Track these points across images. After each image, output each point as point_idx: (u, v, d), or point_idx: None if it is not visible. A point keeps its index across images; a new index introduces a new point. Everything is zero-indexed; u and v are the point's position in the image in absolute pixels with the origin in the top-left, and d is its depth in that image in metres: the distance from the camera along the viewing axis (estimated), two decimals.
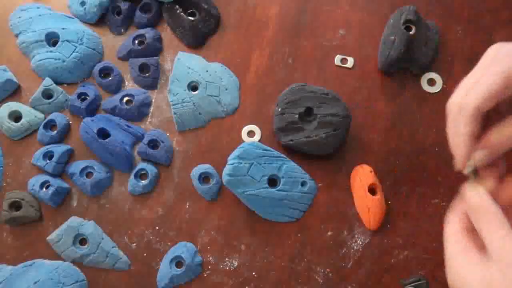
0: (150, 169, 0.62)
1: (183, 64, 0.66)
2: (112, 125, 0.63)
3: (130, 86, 0.67)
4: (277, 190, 0.60)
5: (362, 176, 0.60)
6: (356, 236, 0.60)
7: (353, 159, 0.62)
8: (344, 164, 0.62)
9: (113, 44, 0.69)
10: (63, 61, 0.65)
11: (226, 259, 0.59)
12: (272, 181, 0.60)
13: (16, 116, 0.64)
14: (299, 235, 0.60)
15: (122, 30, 0.69)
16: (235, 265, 0.59)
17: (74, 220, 0.60)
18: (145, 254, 0.60)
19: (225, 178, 0.58)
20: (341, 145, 0.61)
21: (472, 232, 0.38)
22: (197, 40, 0.68)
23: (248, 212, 0.60)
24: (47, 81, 0.65)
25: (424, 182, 0.61)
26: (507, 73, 0.36)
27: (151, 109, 0.66)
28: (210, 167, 0.62)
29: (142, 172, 0.62)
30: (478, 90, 0.37)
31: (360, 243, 0.59)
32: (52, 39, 0.67)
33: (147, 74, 0.66)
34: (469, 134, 0.38)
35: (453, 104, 0.39)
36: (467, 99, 0.37)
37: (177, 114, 0.64)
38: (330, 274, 0.58)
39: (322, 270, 0.58)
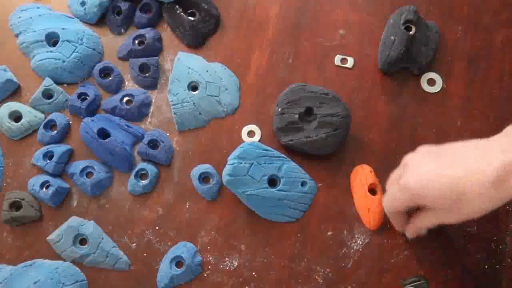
0: (150, 169, 0.62)
1: (183, 64, 0.66)
2: (112, 125, 0.63)
3: (130, 86, 0.67)
4: (277, 190, 0.60)
5: (362, 176, 0.60)
6: (356, 236, 0.60)
7: (353, 159, 0.62)
8: (344, 164, 0.62)
9: (113, 44, 0.69)
10: (63, 61, 0.65)
11: (226, 259, 0.59)
12: (272, 181, 0.60)
13: (16, 116, 0.64)
14: (299, 235, 0.60)
15: (122, 30, 0.69)
16: (235, 265, 0.59)
17: (74, 220, 0.60)
18: (145, 254, 0.60)
19: (225, 178, 0.58)
20: (341, 145, 0.61)
21: None
22: (197, 40, 0.68)
23: (248, 212, 0.60)
24: (47, 81, 0.65)
25: None
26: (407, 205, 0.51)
27: (151, 109, 0.66)
28: (210, 167, 0.62)
29: (142, 172, 0.62)
30: (387, 209, 0.55)
31: (360, 243, 0.59)
32: (52, 39, 0.67)
33: (147, 74, 0.66)
34: (400, 219, 0.55)
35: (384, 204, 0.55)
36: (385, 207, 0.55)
37: (177, 114, 0.64)
38: (330, 274, 0.58)
39: (322, 270, 0.58)
